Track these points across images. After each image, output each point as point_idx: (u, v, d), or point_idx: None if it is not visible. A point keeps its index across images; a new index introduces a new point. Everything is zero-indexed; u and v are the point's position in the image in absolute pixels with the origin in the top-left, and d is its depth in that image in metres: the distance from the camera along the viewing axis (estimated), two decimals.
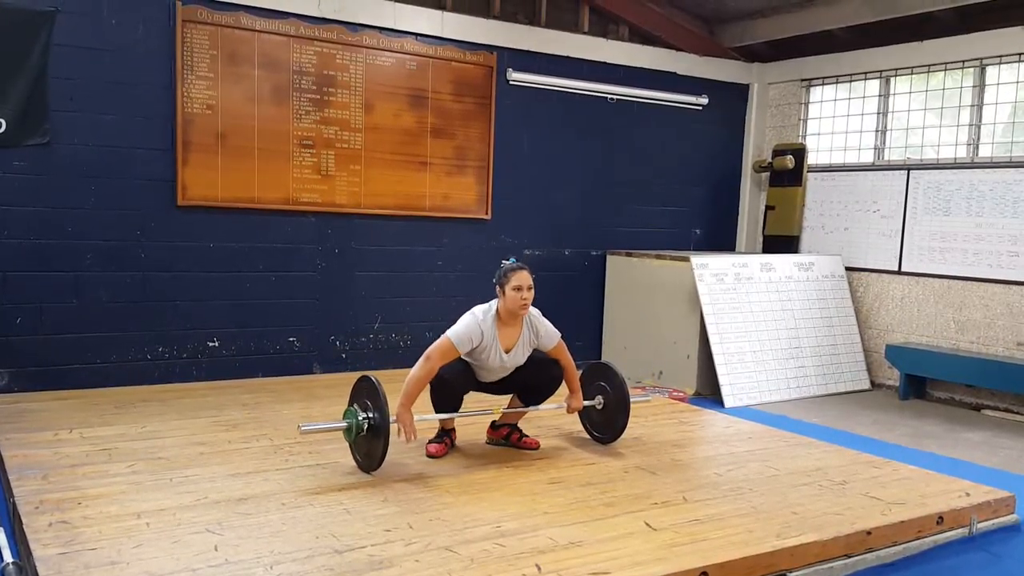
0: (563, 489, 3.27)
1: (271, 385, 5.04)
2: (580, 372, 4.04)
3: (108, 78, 4.76)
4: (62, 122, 4.66)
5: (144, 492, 3.04)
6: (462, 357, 3.62)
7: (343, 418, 3.40)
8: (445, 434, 3.75)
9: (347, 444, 3.47)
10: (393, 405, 3.37)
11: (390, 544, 2.66)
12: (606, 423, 3.94)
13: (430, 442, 3.71)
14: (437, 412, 3.67)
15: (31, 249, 4.66)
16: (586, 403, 3.92)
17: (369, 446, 3.37)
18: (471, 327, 3.53)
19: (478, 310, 3.59)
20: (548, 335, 3.71)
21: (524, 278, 3.53)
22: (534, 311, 3.73)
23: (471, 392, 3.76)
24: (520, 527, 2.84)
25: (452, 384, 3.59)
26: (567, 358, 3.78)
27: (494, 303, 3.61)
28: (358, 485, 3.22)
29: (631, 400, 3.87)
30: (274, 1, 5.17)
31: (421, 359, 3.53)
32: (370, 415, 3.34)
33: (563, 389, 3.85)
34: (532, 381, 3.75)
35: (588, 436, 4.05)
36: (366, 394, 3.39)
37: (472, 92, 5.92)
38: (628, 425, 3.89)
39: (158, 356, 5.04)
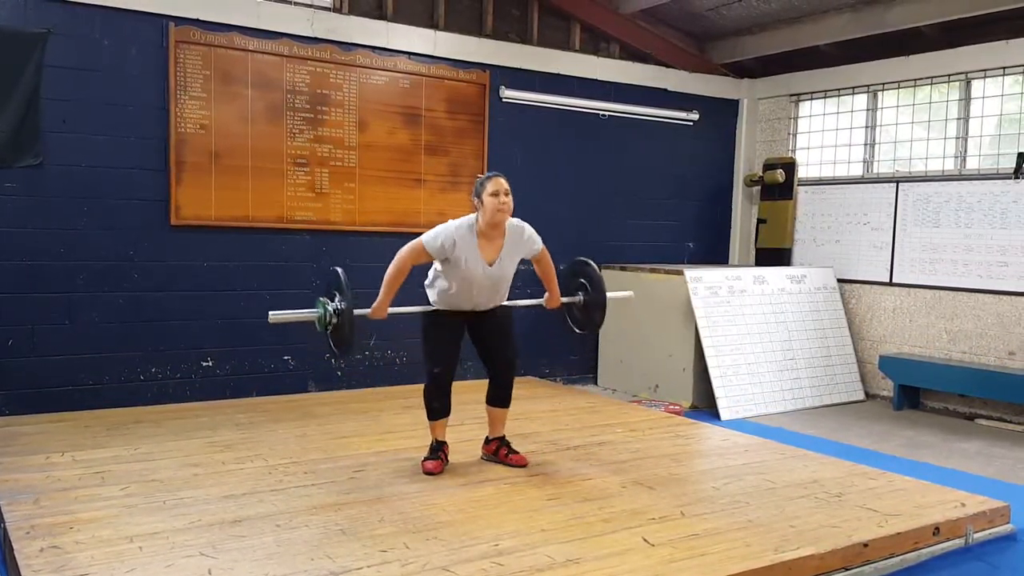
0: (560, 506, 3.26)
1: (266, 404, 5.02)
2: (565, 269, 4.10)
3: (101, 99, 4.77)
4: (55, 143, 4.66)
5: (137, 515, 3.01)
6: (447, 336, 3.63)
7: (313, 308, 3.50)
8: (439, 448, 3.73)
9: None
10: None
11: (387, 565, 2.65)
12: (586, 319, 4.07)
13: (426, 459, 3.70)
14: (431, 415, 3.70)
15: (23, 271, 4.64)
16: (566, 300, 4.00)
17: (340, 334, 3.46)
18: (445, 230, 3.56)
19: (454, 220, 3.62)
20: (533, 238, 3.73)
21: (501, 183, 3.55)
22: (518, 221, 3.71)
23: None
24: (518, 545, 2.83)
25: (443, 376, 3.62)
26: (549, 263, 3.84)
27: (472, 216, 3.60)
28: (354, 505, 3.21)
29: (608, 296, 3.97)
30: (267, 21, 5.20)
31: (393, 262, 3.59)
32: (337, 305, 3.43)
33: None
34: (493, 354, 3.75)
35: (582, 448, 4.04)
36: (333, 285, 3.51)
37: (465, 109, 5.96)
38: (625, 438, 3.90)
39: (151, 376, 5.01)
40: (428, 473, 3.61)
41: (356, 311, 3.48)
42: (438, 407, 3.71)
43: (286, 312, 3.67)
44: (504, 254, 3.61)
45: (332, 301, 3.49)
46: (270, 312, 3.56)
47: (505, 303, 3.82)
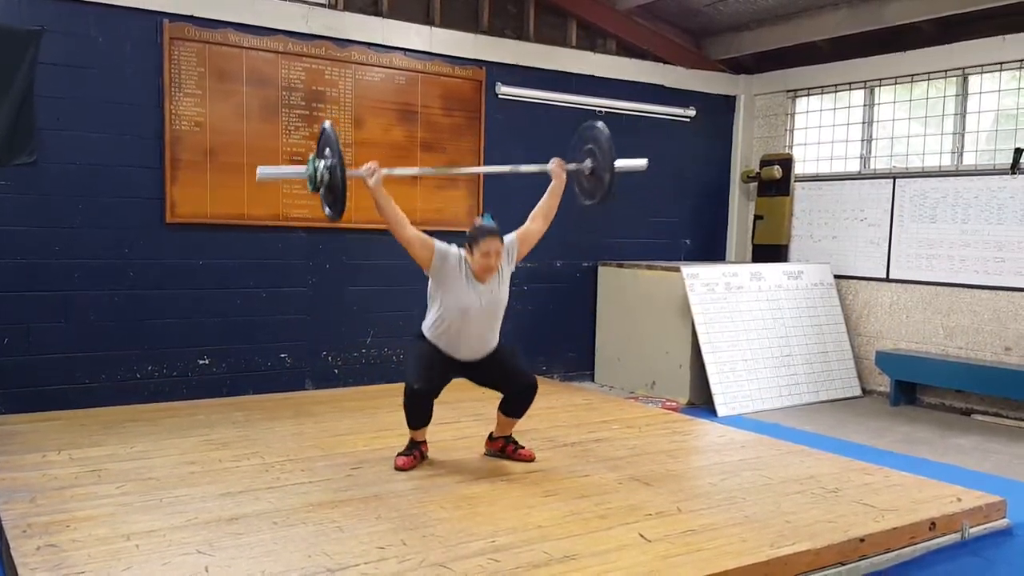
0: (557, 502, 3.26)
1: (262, 402, 5.01)
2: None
3: (95, 97, 4.75)
4: (49, 141, 4.64)
5: (134, 513, 3.01)
6: (436, 345, 3.59)
7: (305, 167, 3.45)
8: (415, 447, 3.71)
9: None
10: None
11: (384, 562, 2.64)
12: (595, 185, 3.83)
13: (399, 455, 3.67)
14: (411, 425, 3.65)
15: (18, 269, 4.63)
16: (573, 167, 3.84)
17: (334, 193, 3.42)
18: (450, 247, 3.58)
19: (459, 248, 3.62)
20: (513, 243, 3.67)
21: (494, 245, 3.53)
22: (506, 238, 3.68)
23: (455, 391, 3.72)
24: (514, 541, 2.83)
25: (422, 393, 3.53)
26: (537, 218, 3.76)
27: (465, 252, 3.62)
28: (350, 502, 3.20)
29: (618, 164, 3.72)
30: (261, 18, 5.19)
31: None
32: (329, 161, 3.38)
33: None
34: (506, 385, 3.71)
35: (579, 445, 4.04)
36: (324, 143, 3.46)
37: (462, 106, 5.95)
38: (622, 435, 3.89)
39: (147, 375, 5.01)
40: (399, 469, 3.58)
41: (349, 171, 3.42)
42: (418, 422, 3.65)
43: (275, 169, 3.59)
44: (494, 280, 3.61)
45: (323, 158, 3.43)
46: (259, 168, 3.49)
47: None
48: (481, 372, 3.72)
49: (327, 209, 3.54)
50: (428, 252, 3.55)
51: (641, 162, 3.91)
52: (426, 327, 3.68)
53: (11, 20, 4.52)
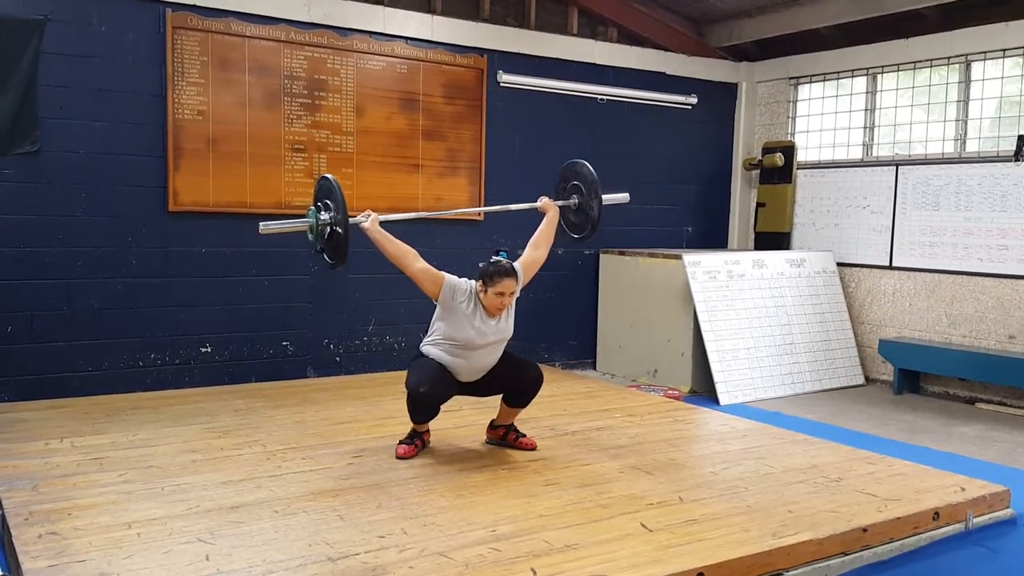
0: (558, 491, 3.26)
1: (264, 390, 5.02)
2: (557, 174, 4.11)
3: (98, 85, 4.74)
4: (52, 130, 4.63)
5: (135, 502, 3.01)
6: (439, 362, 3.58)
7: (306, 217, 3.51)
8: (417, 436, 3.71)
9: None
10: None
11: (384, 551, 2.65)
12: (582, 220, 3.99)
13: (400, 443, 3.68)
14: (414, 420, 3.65)
15: (21, 258, 4.63)
16: (560, 203, 3.98)
17: (334, 244, 3.46)
18: (460, 281, 3.59)
19: (469, 280, 3.62)
20: (520, 274, 3.66)
21: (509, 286, 3.53)
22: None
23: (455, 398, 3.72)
24: (515, 531, 2.83)
25: (428, 397, 3.52)
26: (540, 246, 3.79)
27: (476, 286, 3.60)
28: (351, 491, 3.21)
29: (604, 196, 3.89)
30: (264, 7, 5.16)
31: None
32: (330, 215, 3.43)
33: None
34: (510, 386, 3.72)
35: (581, 433, 4.05)
36: (325, 194, 3.48)
37: (463, 94, 5.92)
38: (623, 423, 3.89)
39: (150, 363, 5.01)
40: (399, 457, 3.58)
41: (350, 219, 3.45)
42: (422, 419, 3.65)
43: (277, 223, 3.64)
44: (504, 314, 3.61)
45: (324, 210, 3.47)
46: (261, 223, 3.56)
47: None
48: (483, 384, 3.71)
49: (327, 259, 3.57)
50: (436, 288, 3.55)
51: (624, 196, 4.16)
52: (427, 348, 3.66)
53: (14, 9, 4.50)
